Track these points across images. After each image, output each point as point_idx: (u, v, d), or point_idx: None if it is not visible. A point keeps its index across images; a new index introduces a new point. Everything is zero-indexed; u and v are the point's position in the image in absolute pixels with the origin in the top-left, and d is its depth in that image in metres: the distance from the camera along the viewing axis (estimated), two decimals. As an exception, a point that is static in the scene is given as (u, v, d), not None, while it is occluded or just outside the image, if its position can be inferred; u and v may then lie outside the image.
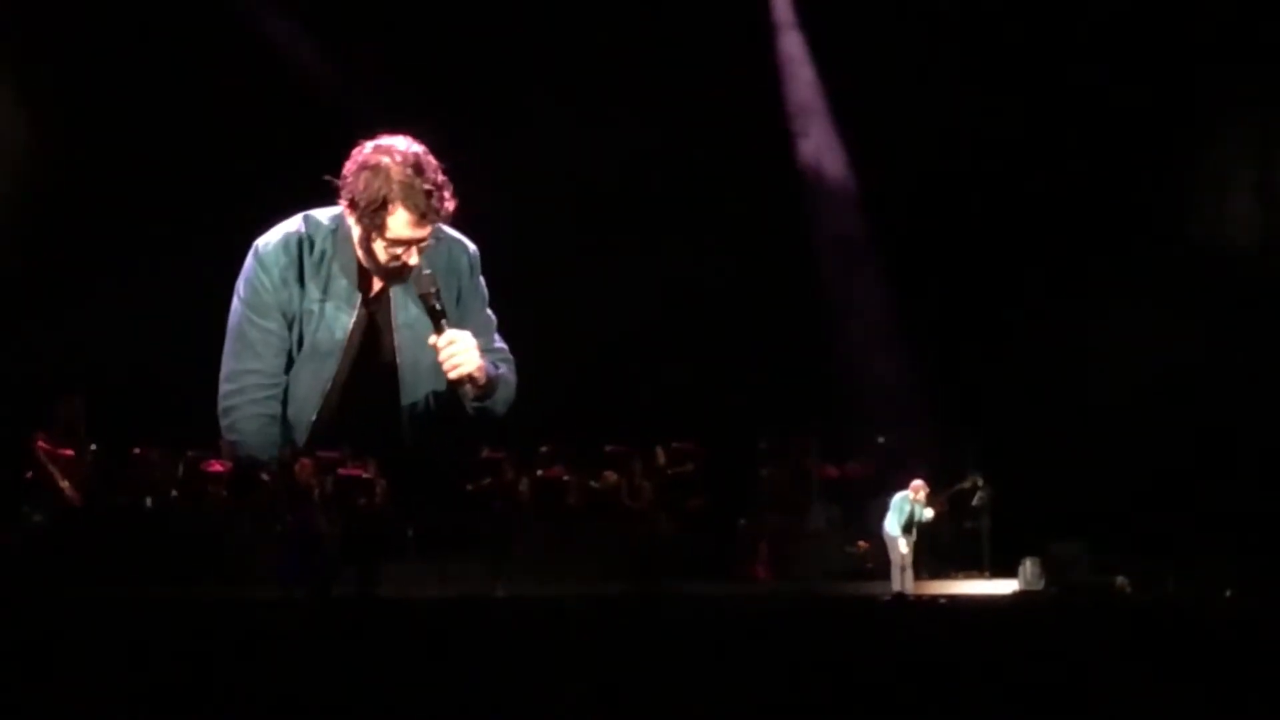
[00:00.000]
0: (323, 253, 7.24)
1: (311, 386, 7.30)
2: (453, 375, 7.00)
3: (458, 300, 7.31)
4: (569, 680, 4.31)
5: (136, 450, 14.41)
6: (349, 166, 7.08)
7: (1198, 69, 15.55)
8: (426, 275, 7.07)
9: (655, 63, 15.57)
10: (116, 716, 3.81)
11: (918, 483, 15.27)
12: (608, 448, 15.71)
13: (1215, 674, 4.27)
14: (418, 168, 7.06)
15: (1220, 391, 15.32)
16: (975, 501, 16.46)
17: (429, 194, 7.03)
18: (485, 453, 15.11)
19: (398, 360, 7.32)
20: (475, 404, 7.21)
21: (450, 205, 7.11)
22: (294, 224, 7.31)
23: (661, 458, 15.96)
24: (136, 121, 15.13)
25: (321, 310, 7.23)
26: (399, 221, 7.03)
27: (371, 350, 7.33)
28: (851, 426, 16.96)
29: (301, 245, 7.27)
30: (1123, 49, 15.66)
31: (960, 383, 16.03)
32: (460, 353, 7.01)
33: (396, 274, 7.16)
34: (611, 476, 15.60)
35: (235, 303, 7.26)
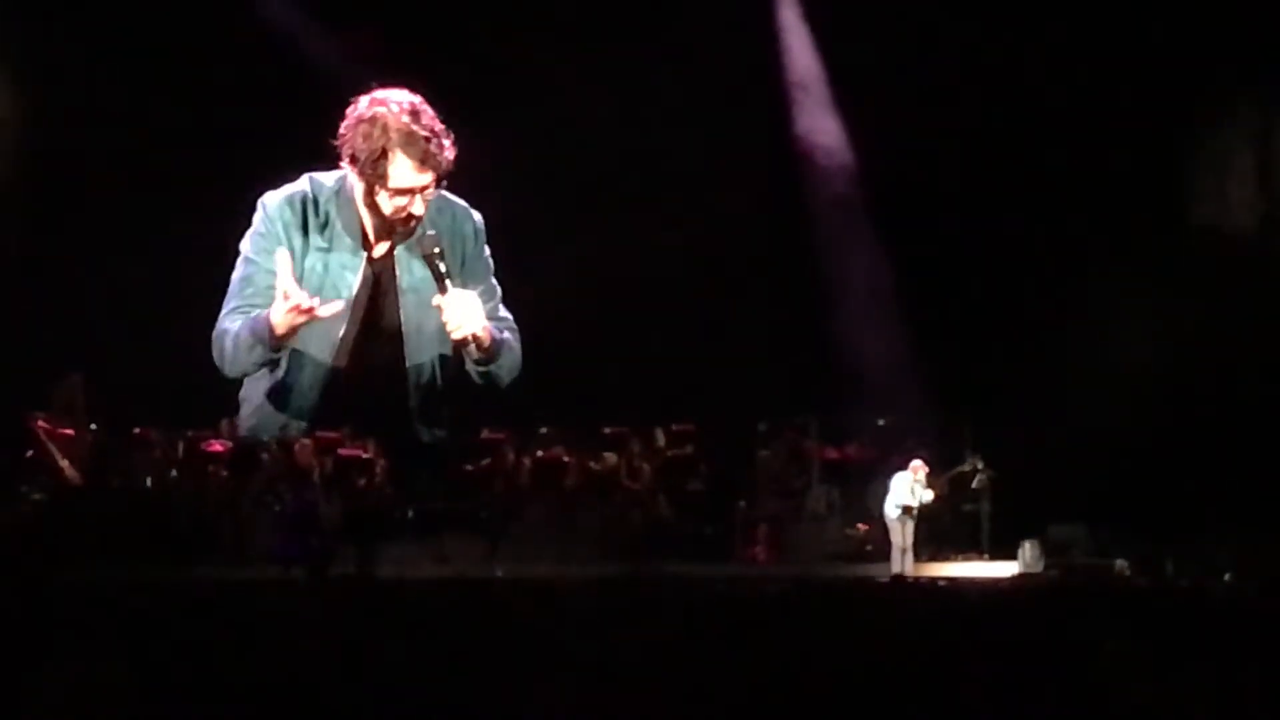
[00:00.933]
0: (327, 213, 7.27)
1: (320, 349, 7.29)
2: (456, 335, 7.02)
3: (462, 266, 7.31)
4: (567, 661, 4.31)
5: (136, 430, 14.40)
6: (346, 123, 7.11)
7: (1199, 51, 15.54)
8: (430, 236, 7.08)
9: (656, 41, 15.55)
10: (115, 697, 3.81)
11: (917, 462, 15.28)
12: (607, 429, 15.70)
13: (1215, 657, 4.27)
14: (415, 115, 7.08)
15: (1220, 374, 15.33)
16: (975, 484, 16.46)
17: (428, 139, 7.06)
18: (484, 434, 15.10)
19: (402, 323, 7.31)
20: (479, 367, 7.20)
21: (450, 153, 7.12)
22: (299, 183, 7.35)
23: (661, 439, 15.95)
24: (137, 96, 15.10)
25: (325, 269, 7.22)
26: (400, 169, 7.05)
27: (376, 312, 7.33)
28: (851, 409, 16.95)
29: (305, 202, 7.30)
30: (1126, 30, 15.65)
31: (959, 365, 16.01)
32: (464, 313, 7.02)
33: (403, 226, 7.14)
34: (611, 458, 15.58)
35: (239, 257, 7.29)
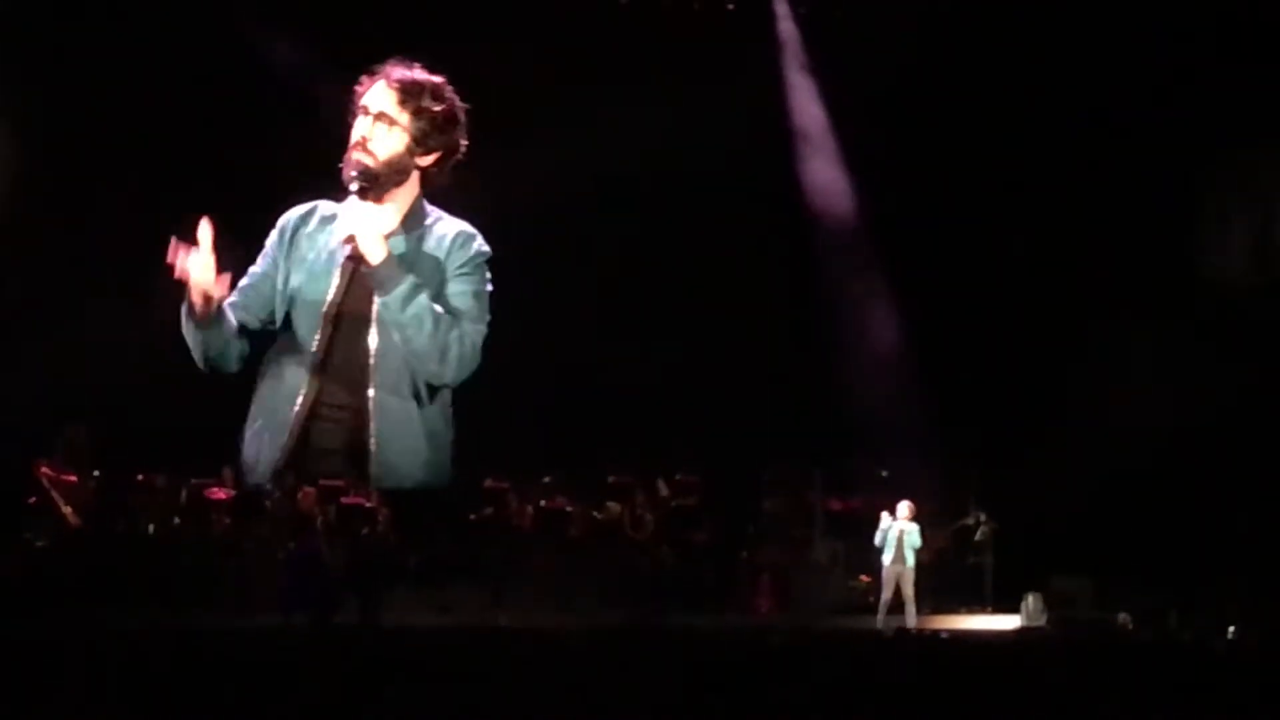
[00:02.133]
0: (324, 218, 7.42)
1: (296, 354, 7.38)
2: (340, 234, 7.16)
3: (442, 282, 7.41)
4: (570, 711, 4.31)
5: (140, 477, 14.40)
6: None
7: (1206, 103, 15.60)
8: (374, 171, 7.23)
9: (665, 95, 15.59)
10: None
11: (904, 504, 15.15)
12: (611, 479, 15.70)
13: (1218, 711, 4.27)
14: (412, 65, 7.28)
15: (1224, 428, 15.32)
16: (978, 537, 16.44)
17: (412, 72, 7.23)
18: (488, 483, 15.11)
19: (373, 329, 7.38)
20: (377, 296, 7.22)
21: (438, 107, 7.24)
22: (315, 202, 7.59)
23: (664, 489, 15.94)
24: (143, 145, 15.15)
25: (324, 255, 7.36)
26: (372, 90, 7.23)
27: (354, 294, 7.42)
28: (855, 460, 16.94)
29: (313, 212, 7.48)
30: (1133, 83, 15.71)
31: (964, 417, 16.01)
32: (354, 217, 7.15)
33: (355, 164, 7.25)
34: (614, 507, 15.58)
35: None
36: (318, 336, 7.38)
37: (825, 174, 17.44)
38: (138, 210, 15.16)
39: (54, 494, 13.56)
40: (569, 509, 15.48)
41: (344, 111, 7.32)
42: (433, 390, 7.52)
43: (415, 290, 7.17)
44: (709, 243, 16.24)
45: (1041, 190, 16.14)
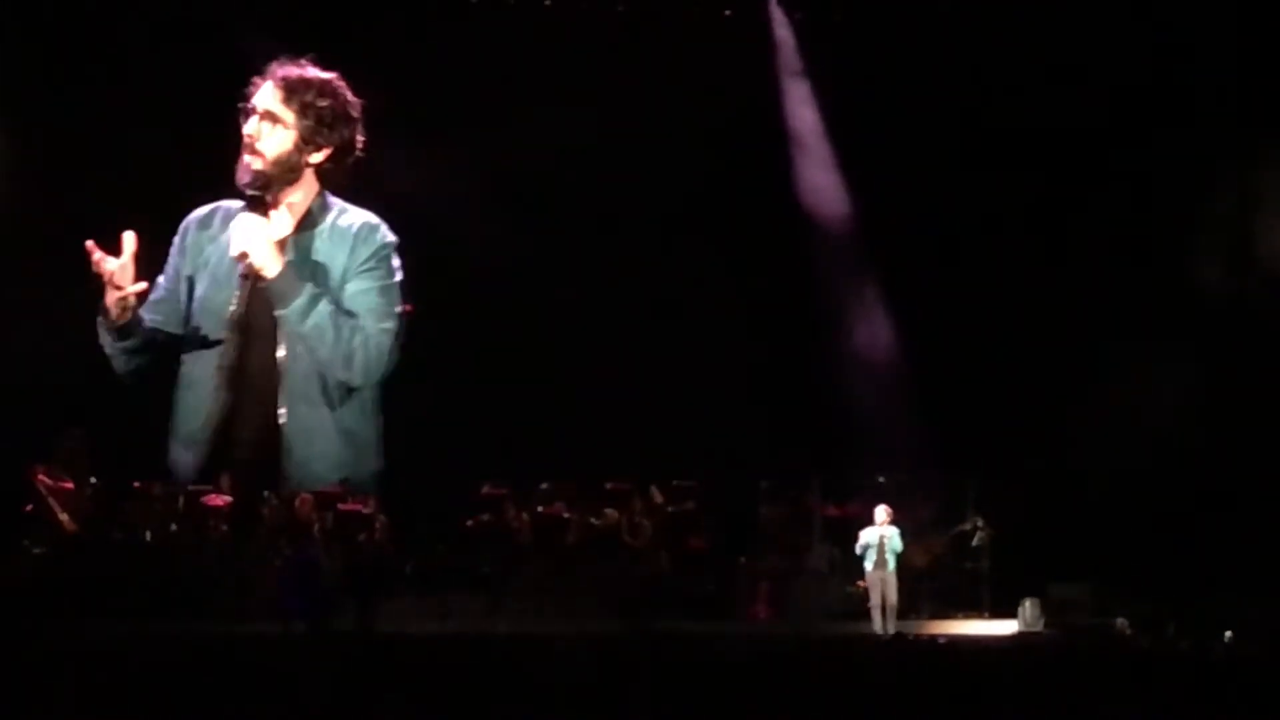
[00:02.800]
0: (226, 218, 7.42)
1: (206, 362, 7.40)
2: (232, 250, 7.15)
3: (343, 274, 7.40)
4: (567, 716, 4.32)
5: (136, 484, 14.40)
6: None
7: (1201, 113, 15.64)
8: (263, 171, 7.21)
9: (656, 107, 15.59)
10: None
11: (879, 509, 15.11)
12: (608, 485, 15.69)
13: (1215, 716, 4.27)
14: (301, 63, 7.30)
15: (1222, 434, 15.32)
16: (975, 542, 16.41)
17: (300, 69, 7.24)
18: (485, 489, 15.10)
19: (280, 337, 7.37)
20: (276, 309, 7.20)
21: (323, 103, 7.25)
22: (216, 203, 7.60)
23: (661, 496, 15.93)
24: (140, 151, 15.13)
25: (215, 270, 7.35)
26: (262, 91, 7.24)
27: (259, 301, 7.40)
28: (852, 467, 16.91)
29: (215, 213, 7.47)
30: (1128, 92, 15.74)
31: (961, 424, 16.00)
32: (244, 232, 7.14)
33: (244, 169, 7.25)
34: (612, 514, 15.57)
35: None
36: (224, 345, 7.38)
37: (821, 181, 17.43)
38: (138, 214, 15.18)
39: (51, 501, 13.54)
40: (566, 516, 15.48)
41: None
42: (348, 391, 7.51)
43: (314, 301, 7.14)
44: (708, 248, 16.22)
45: (1039, 196, 16.14)
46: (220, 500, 14.08)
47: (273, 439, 7.52)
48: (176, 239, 7.54)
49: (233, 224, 7.17)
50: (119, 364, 7.39)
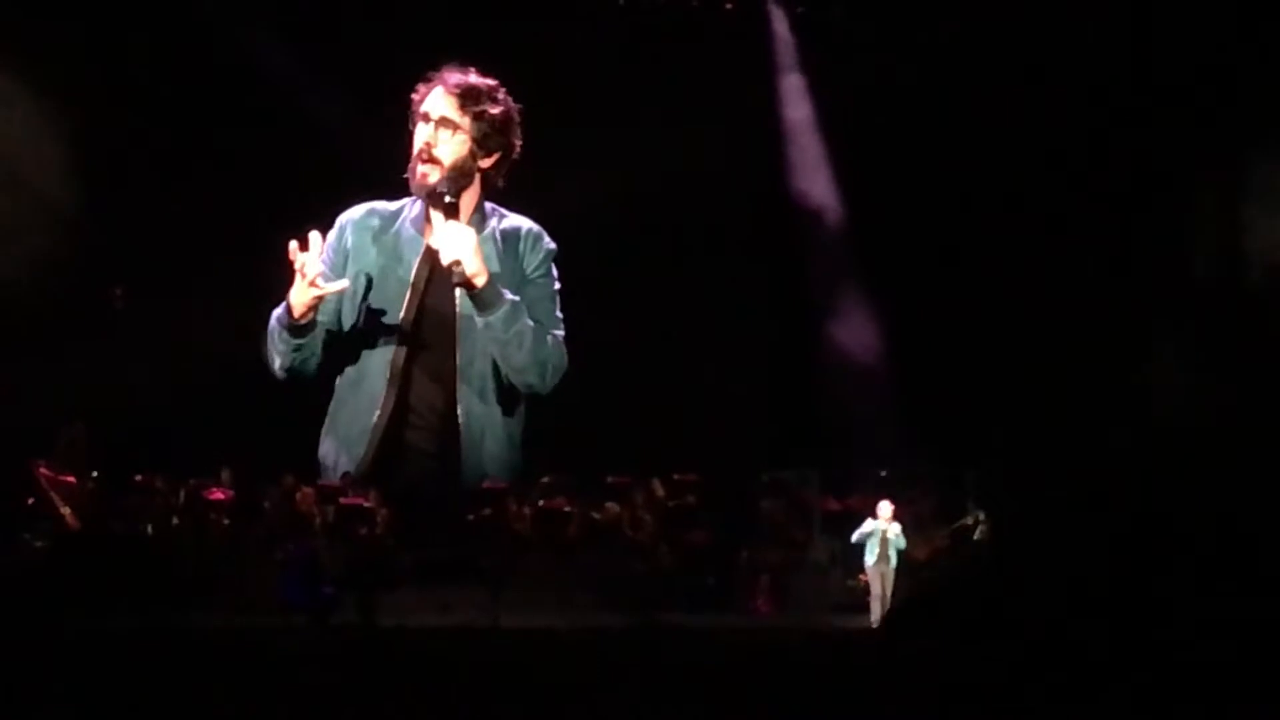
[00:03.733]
0: (397, 213, 7.49)
1: (381, 337, 7.41)
2: (445, 260, 7.17)
3: (514, 281, 7.46)
4: (569, 712, 4.31)
5: (138, 477, 14.40)
6: None
7: (1203, 101, 15.63)
8: (442, 178, 7.25)
9: (648, 103, 15.59)
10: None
11: (883, 504, 15.15)
12: (609, 479, 15.69)
13: (1219, 712, 4.27)
14: (467, 70, 7.37)
15: (1223, 429, 15.32)
16: (976, 536, 16.42)
17: (467, 76, 7.31)
18: (486, 483, 15.08)
19: (457, 310, 7.41)
20: (478, 313, 7.22)
21: (496, 109, 7.31)
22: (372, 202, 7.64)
23: (663, 490, 15.93)
24: (141, 141, 15.14)
25: (388, 259, 7.40)
26: (431, 96, 7.31)
27: (433, 299, 7.45)
28: (853, 460, 16.93)
29: (375, 211, 7.55)
30: (1129, 85, 15.74)
31: (961, 417, 16.01)
32: (455, 242, 7.17)
33: (414, 177, 7.30)
34: (613, 508, 15.57)
35: None
36: (396, 348, 7.41)
37: (818, 178, 17.44)
38: (138, 208, 15.18)
39: (52, 494, 13.54)
40: (568, 509, 15.47)
41: (405, 122, 7.37)
42: (516, 396, 7.59)
43: (516, 309, 7.24)
44: (707, 243, 16.23)
45: (1038, 191, 16.14)
46: (221, 494, 14.09)
47: (452, 441, 7.59)
48: (333, 238, 7.54)
49: (440, 231, 7.24)
50: (286, 361, 7.40)
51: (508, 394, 7.64)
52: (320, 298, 7.12)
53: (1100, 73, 15.81)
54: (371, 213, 7.66)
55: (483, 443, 7.68)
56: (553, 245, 7.76)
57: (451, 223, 7.20)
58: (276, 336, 7.32)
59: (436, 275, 7.41)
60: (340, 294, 7.43)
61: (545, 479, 15.80)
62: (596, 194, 15.71)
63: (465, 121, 7.31)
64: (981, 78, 16.05)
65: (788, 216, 17.35)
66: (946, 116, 16.12)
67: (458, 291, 7.32)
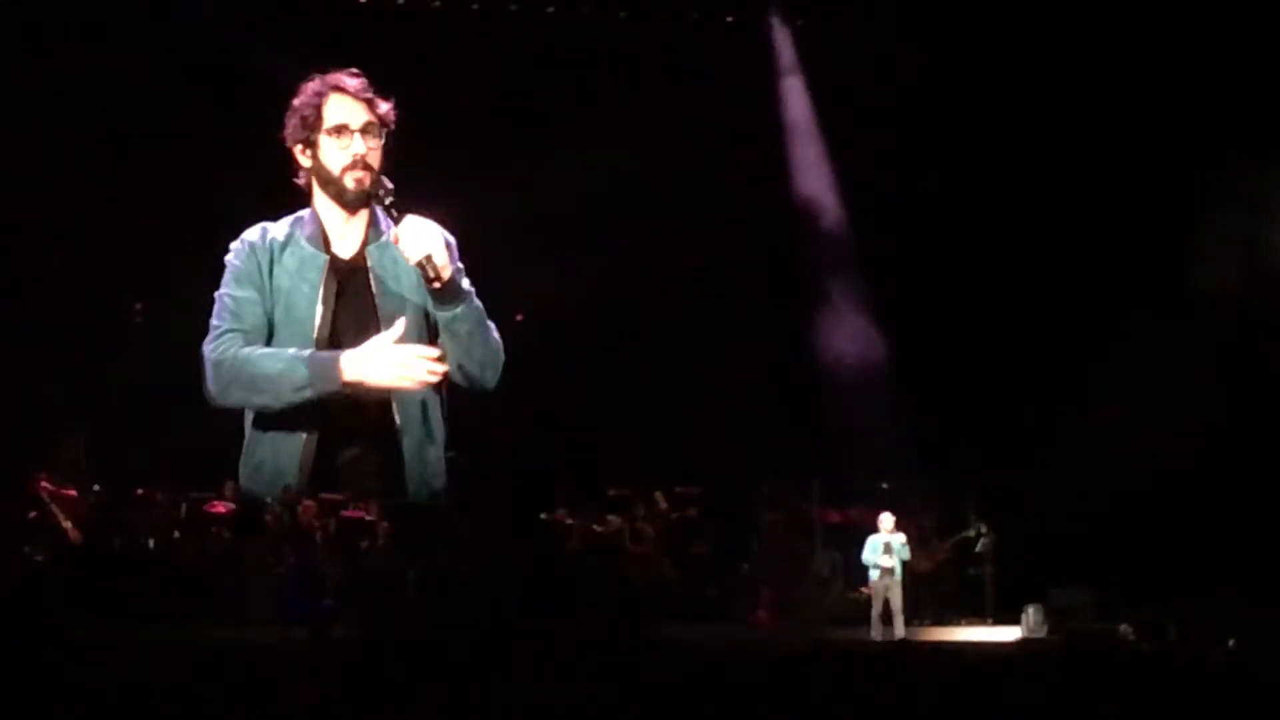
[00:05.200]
0: (290, 234, 7.45)
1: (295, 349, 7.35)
2: (412, 258, 7.12)
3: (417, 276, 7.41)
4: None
5: (139, 491, 14.41)
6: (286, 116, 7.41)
7: (1196, 117, 15.65)
8: (382, 180, 7.24)
9: (656, 111, 15.61)
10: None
11: (884, 516, 15.11)
12: (611, 492, 15.70)
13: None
14: (344, 71, 7.34)
15: (1223, 438, 15.32)
16: (978, 548, 16.42)
17: (357, 80, 7.30)
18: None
19: (379, 319, 7.37)
20: (442, 309, 7.20)
21: (386, 105, 7.31)
22: (259, 225, 7.57)
23: (663, 502, 15.94)
24: (141, 158, 15.16)
25: (290, 279, 7.34)
26: (335, 106, 7.30)
27: (349, 311, 7.40)
28: (854, 472, 16.93)
29: (267, 233, 7.50)
30: (1124, 98, 15.76)
31: (963, 429, 16.02)
32: (418, 236, 7.14)
33: (360, 186, 7.27)
34: (614, 521, 15.57)
35: (218, 296, 7.44)
36: (315, 324, 7.35)
37: (821, 188, 17.45)
38: (135, 224, 15.20)
39: (54, 508, 13.54)
40: (569, 522, 15.47)
41: (281, 126, 7.34)
42: (441, 400, 7.53)
43: (474, 300, 7.19)
44: (708, 254, 16.23)
45: (1041, 203, 16.16)
46: (223, 507, 14.08)
47: (393, 455, 7.53)
48: (246, 258, 7.50)
49: (402, 230, 7.17)
50: (277, 406, 7.35)
51: (436, 399, 7.55)
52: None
53: (1101, 86, 15.84)
54: (265, 232, 7.61)
55: (424, 452, 7.59)
56: (449, 237, 7.64)
57: (411, 217, 7.17)
58: (288, 386, 7.19)
59: (347, 289, 7.35)
60: (270, 312, 7.38)
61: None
62: (597, 206, 15.73)
63: (364, 113, 7.31)
64: (980, 86, 16.08)
65: (790, 229, 17.38)
66: (946, 128, 16.12)
67: (376, 303, 7.28)
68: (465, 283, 7.19)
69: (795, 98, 17.20)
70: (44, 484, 13.55)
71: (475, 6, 15.94)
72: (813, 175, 17.41)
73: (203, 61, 15.02)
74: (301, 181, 7.39)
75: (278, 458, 7.52)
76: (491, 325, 7.34)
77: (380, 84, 7.82)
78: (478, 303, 7.22)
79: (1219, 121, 15.72)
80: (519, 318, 16.11)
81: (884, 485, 16.75)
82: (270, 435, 7.54)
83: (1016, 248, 16.17)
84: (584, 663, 5.99)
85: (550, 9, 16.08)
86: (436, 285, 7.14)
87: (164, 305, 14.68)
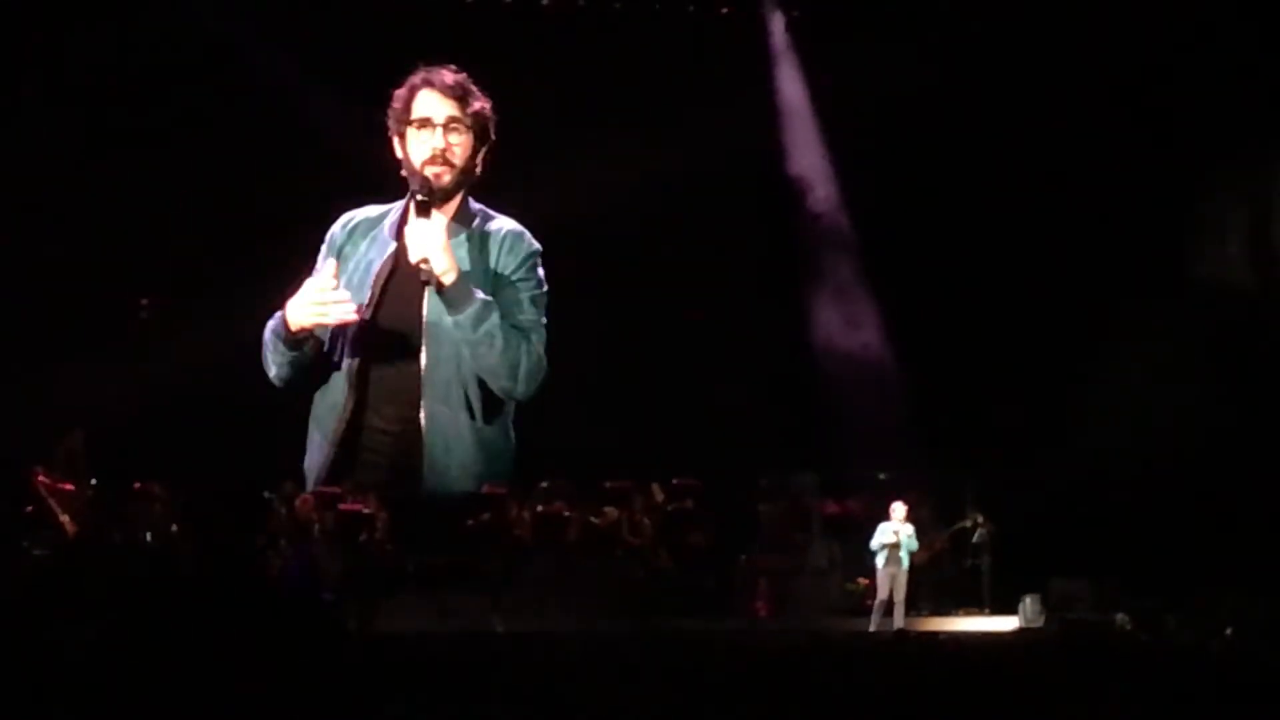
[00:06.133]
0: (379, 218, 7.46)
1: (347, 343, 7.37)
2: (413, 257, 7.13)
3: (492, 282, 7.40)
4: (568, 716, 4.32)
5: (137, 485, 14.39)
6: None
7: (1201, 108, 15.64)
8: (454, 179, 7.26)
9: (646, 107, 15.60)
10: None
11: (896, 504, 15.16)
12: (608, 484, 15.69)
13: (1215, 713, 4.27)
14: (443, 65, 7.35)
15: (1222, 428, 15.33)
16: (975, 539, 16.44)
17: (453, 75, 7.31)
18: (485, 488, 15.08)
19: (424, 314, 7.35)
20: (447, 310, 7.19)
21: (480, 102, 7.33)
22: (364, 207, 7.63)
23: (661, 494, 15.93)
24: (141, 153, 15.15)
25: (364, 264, 7.37)
26: (424, 100, 7.30)
27: (395, 303, 7.40)
28: (851, 463, 16.94)
29: (358, 216, 7.51)
30: (1127, 86, 15.74)
31: (960, 419, 16.02)
32: (425, 238, 7.13)
33: (439, 181, 7.28)
34: (612, 512, 15.56)
35: None
36: (359, 349, 7.37)
37: (819, 177, 17.45)
38: (138, 216, 15.20)
39: (51, 502, 13.53)
40: (567, 514, 15.46)
41: (383, 128, 7.38)
42: (491, 403, 7.50)
43: (487, 308, 7.15)
44: (705, 246, 16.24)
45: (1039, 195, 16.15)
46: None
47: (413, 449, 7.50)
48: (325, 247, 7.55)
49: (408, 230, 7.16)
50: (282, 372, 7.36)
51: (482, 401, 7.45)
52: (323, 324, 7.11)
53: (1102, 73, 15.83)
54: (351, 219, 7.62)
55: (448, 450, 7.53)
56: (536, 246, 7.59)
57: (420, 220, 7.15)
58: (271, 347, 7.27)
59: (398, 278, 7.32)
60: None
61: (544, 484, 15.80)
62: (596, 199, 15.72)
63: (468, 120, 7.31)
64: (979, 76, 16.07)
65: (788, 221, 17.38)
66: (945, 121, 16.13)
67: (426, 295, 7.24)
68: (479, 295, 7.17)
69: (791, 87, 17.19)
70: (41, 478, 13.54)
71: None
72: (810, 165, 17.41)
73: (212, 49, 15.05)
74: (404, 172, 7.44)
75: (318, 436, 7.56)
76: (515, 335, 7.30)
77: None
78: (494, 316, 7.19)
79: (1223, 109, 15.71)
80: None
81: (882, 476, 16.77)
82: (315, 421, 7.60)
83: (1016, 238, 16.17)
84: (584, 655, 6.00)
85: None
86: (435, 288, 7.14)
87: (167, 300, 14.70)
